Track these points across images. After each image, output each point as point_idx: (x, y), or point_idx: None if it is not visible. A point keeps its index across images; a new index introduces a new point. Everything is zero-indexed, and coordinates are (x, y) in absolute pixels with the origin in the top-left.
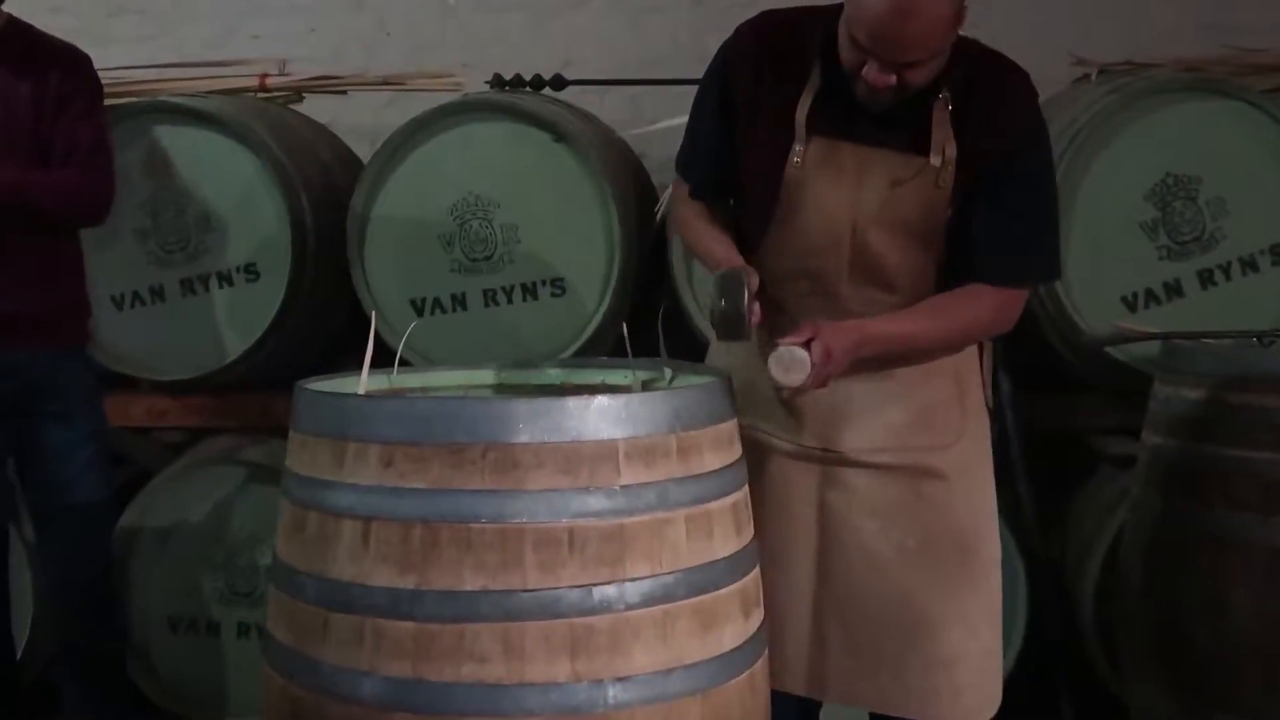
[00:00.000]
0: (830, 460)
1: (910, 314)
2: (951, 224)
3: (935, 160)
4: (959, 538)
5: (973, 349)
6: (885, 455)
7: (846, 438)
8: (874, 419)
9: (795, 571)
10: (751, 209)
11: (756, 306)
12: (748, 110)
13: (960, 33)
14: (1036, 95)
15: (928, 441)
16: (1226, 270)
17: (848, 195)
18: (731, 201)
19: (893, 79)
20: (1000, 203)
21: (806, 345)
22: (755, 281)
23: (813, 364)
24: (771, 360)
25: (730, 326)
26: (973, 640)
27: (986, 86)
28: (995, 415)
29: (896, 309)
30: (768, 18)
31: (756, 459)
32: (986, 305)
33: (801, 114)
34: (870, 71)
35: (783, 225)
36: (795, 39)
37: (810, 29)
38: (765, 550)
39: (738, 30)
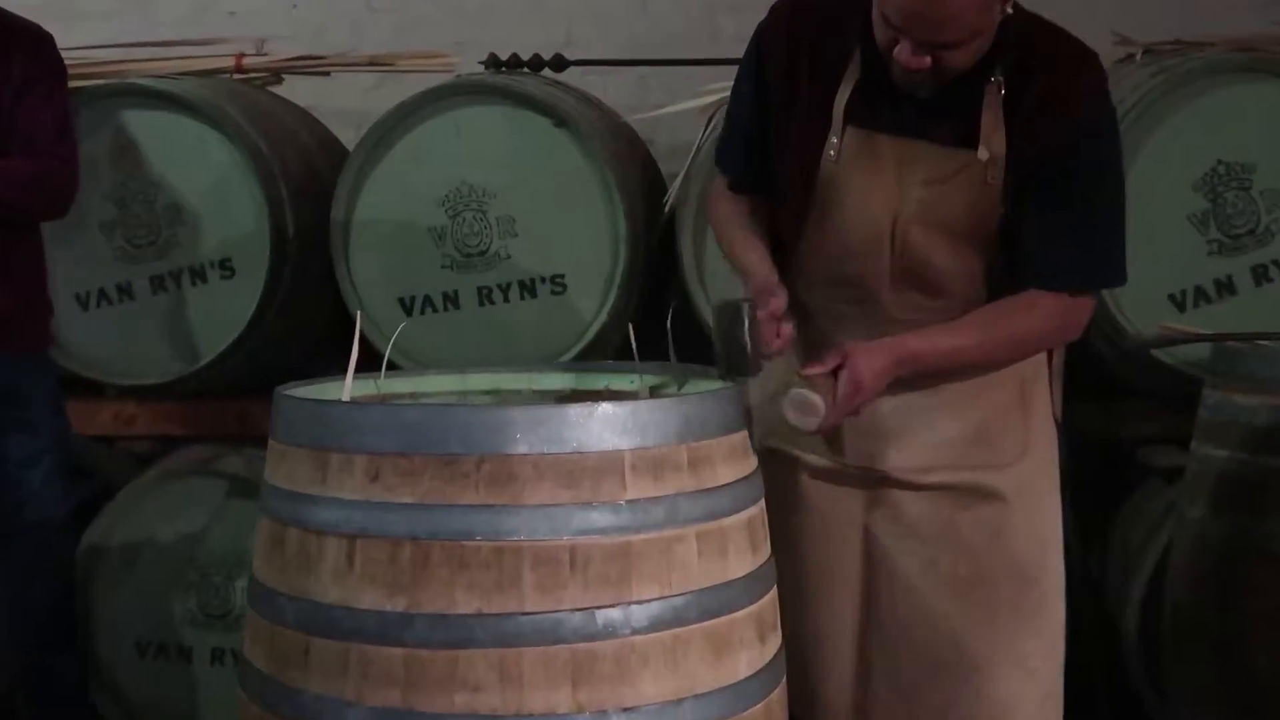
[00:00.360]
0: (874, 480)
1: (955, 327)
2: (1006, 223)
3: (982, 154)
4: (1017, 566)
5: (1040, 355)
6: (936, 474)
7: (892, 455)
8: (924, 434)
9: (838, 601)
10: (787, 207)
11: (785, 329)
12: (783, 98)
13: (1024, 9)
14: (1103, 79)
15: (985, 459)
16: None
17: (887, 192)
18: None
19: (927, 60)
20: (1057, 199)
21: (834, 373)
22: (778, 304)
23: (836, 396)
24: (785, 405)
25: (730, 363)
26: (1030, 683)
27: (1044, 70)
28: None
29: (945, 317)
30: None
31: (793, 480)
32: (1044, 315)
33: (840, 104)
34: (903, 52)
35: (819, 225)
36: (834, 19)
37: (851, 7)
38: (806, 579)
39: (772, 9)
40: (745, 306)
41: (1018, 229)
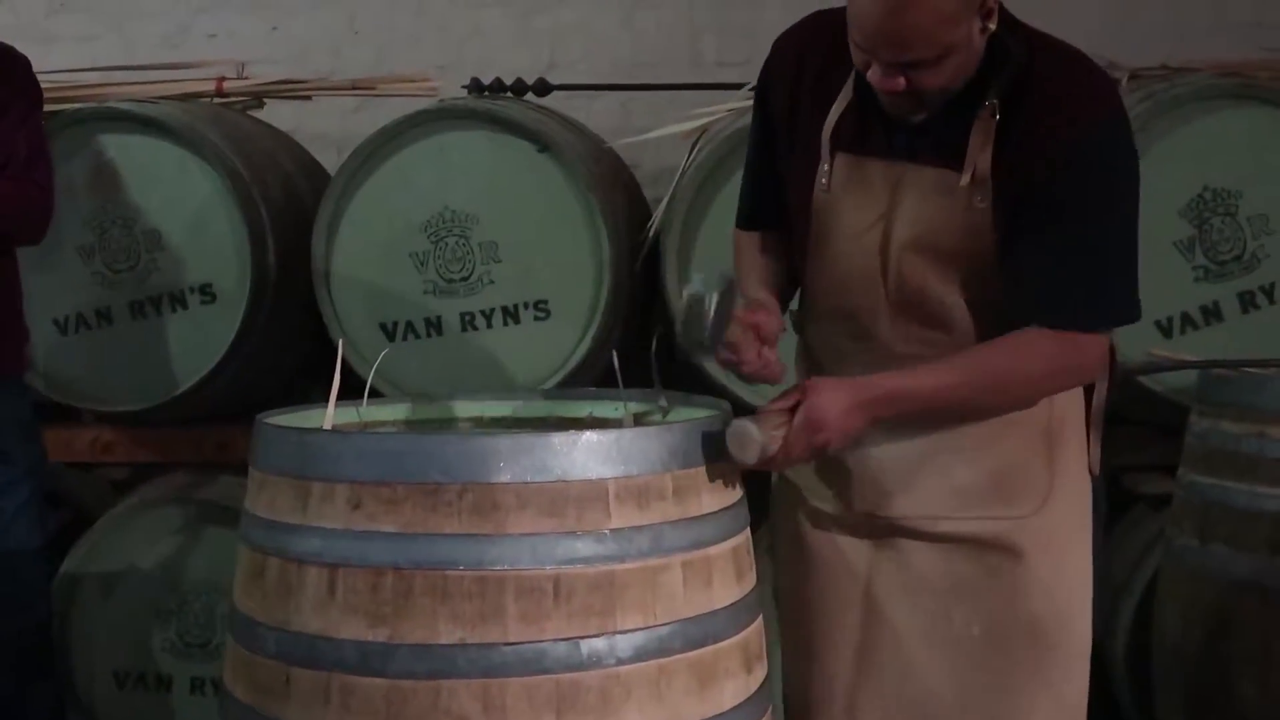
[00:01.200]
0: (881, 529)
1: (938, 366)
2: (1002, 251)
3: (964, 179)
4: (1034, 626)
5: (1076, 397)
6: (947, 523)
7: (901, 502)
8: (937, 480)
9: (829, 659)
10: (794, 241)
11: (766, 353)
12: (785, 129)
13: (1032, 29)
14: (1108, 102)
15: (1002, 509)
16: (1269, 292)
17: (878, 217)
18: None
19: (900, 82)
20: (1053, 229)
21: (792, 410)
22: (763, 320)
23: (789, 432)
24: (727, 435)
25: (689, 340)
26: None
27: (1039, 91)
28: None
29: (951, 353)
30: (813, 21)
31: (791, 525)
32: (1040, 354)
33: (826, 129)
34: (875, 74)
35: (816, 256)
36: (834, 48)
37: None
38: (799, 637)
39: (776, 41)
40: (719, 288)
41: (1013, 259)
